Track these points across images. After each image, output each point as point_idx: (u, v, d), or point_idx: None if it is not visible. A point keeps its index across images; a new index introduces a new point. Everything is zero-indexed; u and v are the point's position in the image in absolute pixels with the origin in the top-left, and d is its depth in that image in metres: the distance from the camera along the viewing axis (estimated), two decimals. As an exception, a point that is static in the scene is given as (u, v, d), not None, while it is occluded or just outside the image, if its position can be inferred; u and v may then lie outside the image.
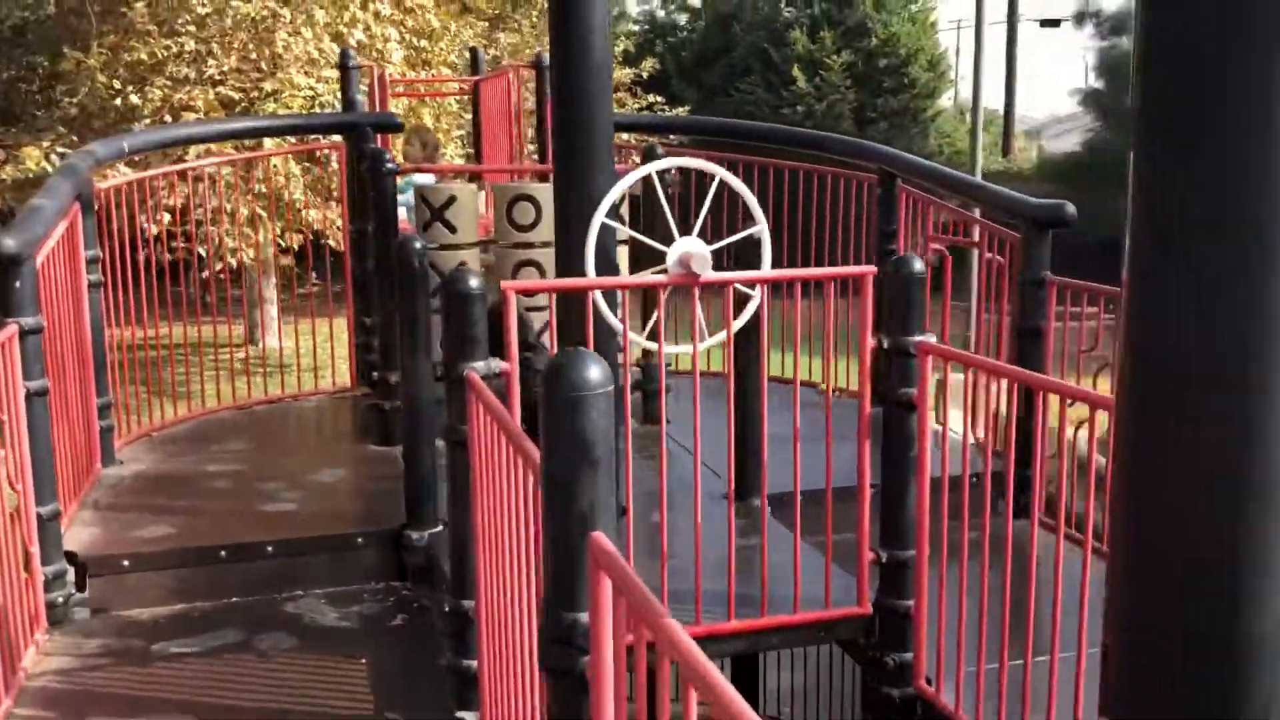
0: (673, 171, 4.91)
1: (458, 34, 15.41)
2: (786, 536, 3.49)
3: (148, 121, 10.80)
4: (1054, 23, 22.34)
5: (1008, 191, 4.65)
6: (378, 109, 7.79)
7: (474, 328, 2.88)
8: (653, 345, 3.24)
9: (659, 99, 18.07)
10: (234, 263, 9.48)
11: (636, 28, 23.35)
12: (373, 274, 5.77)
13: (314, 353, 6.58)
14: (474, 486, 2.81)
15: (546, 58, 8.55)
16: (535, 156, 8.58)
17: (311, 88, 11.11)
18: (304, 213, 10.55)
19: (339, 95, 11.21)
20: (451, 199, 5.07)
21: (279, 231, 10.30)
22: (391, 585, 4.08)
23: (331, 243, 10.90)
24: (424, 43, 13.12)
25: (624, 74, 22.06)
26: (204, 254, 9.47)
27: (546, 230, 5.05)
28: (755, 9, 21.77)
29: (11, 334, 3.46)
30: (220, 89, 10.83)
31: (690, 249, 2.96)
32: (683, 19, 23.39)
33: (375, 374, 5.38)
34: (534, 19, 20.15)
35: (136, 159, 7.48)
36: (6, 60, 12.72)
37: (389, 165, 5.03)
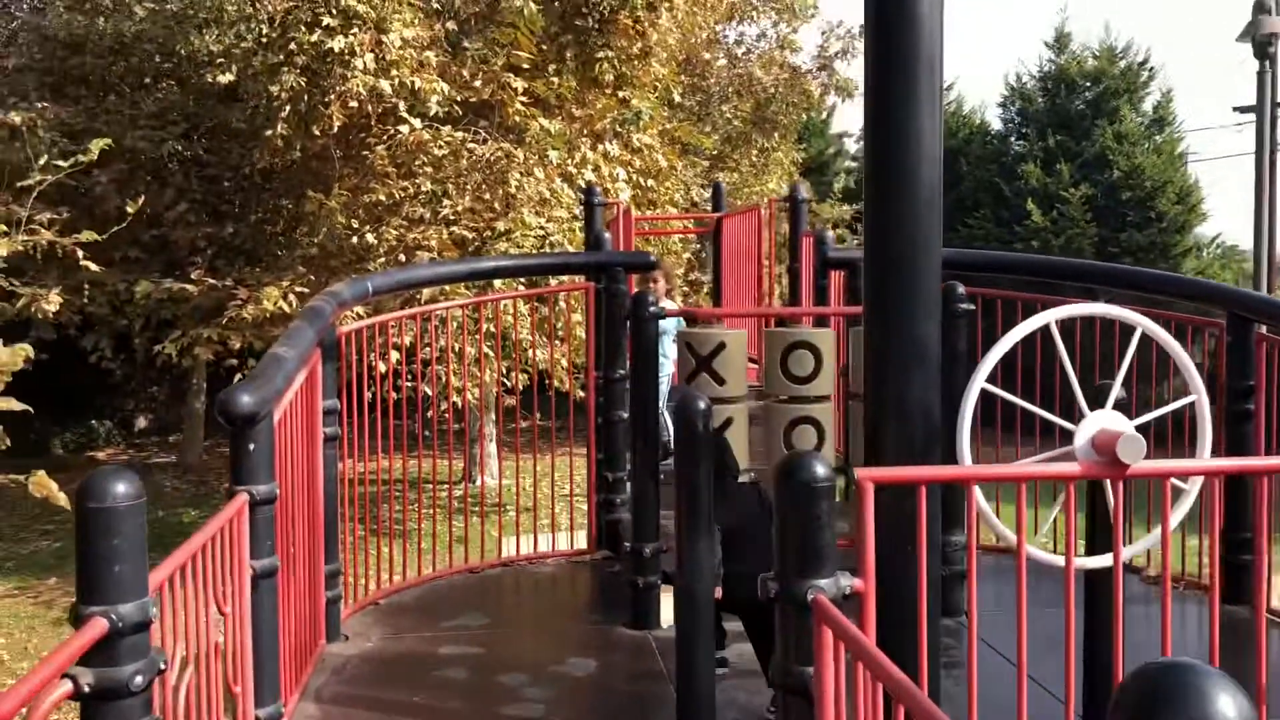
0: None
1: (681, 173, 15.23)
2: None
3: (382, 260, 10.84)
4: (1321, 150, 20.42)
5: None
6: (621, 247, 7.35)
7: (821, 533, 2.13)
8: (1058, 560, 2.42)
9: (883, 235, 17.31)
10: (459, 402, 9.21)
11: (857, 164, 22.89)
12: (623, 425, 5.20)
13: (551, 510, 5.99)
14: (821, 754, 2.03)
15: (802, 190, 8.02)
16: (785, 297, 7.97)
17: (542, 227, 10.96)
18: (530, 352, 10.25)
19: (568, 234, 11.08)
20: (720, 346, 4.41)
21: (504, 371, 10.02)
22: (657, 823, 3.31)
23: (556, 382, 10.56)
24: (650, 182, 12.95)
25: (844, 210, 21.62)
26: (429, 392, 9.25)
27: (826, 383, 4.35)
28: (984, 143, 20.97)
29: (241, 505, 2.95)
30: (454, 228, 10.80)
31: (1113, 427, 2.15)
32: (905, 155, 22.76)
33: (626, 544, 4.70)
34: (753, 158, 20.00)
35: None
36: (255, 203, 13.23)
37: (652, 309, 4.45)
